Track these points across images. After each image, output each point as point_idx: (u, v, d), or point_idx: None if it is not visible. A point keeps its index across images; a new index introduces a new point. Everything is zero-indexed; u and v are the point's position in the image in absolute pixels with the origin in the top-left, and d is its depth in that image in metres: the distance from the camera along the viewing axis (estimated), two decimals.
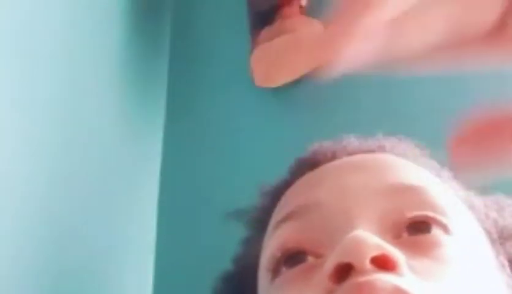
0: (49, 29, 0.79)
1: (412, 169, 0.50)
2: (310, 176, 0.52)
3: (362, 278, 0.38)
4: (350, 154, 0.54)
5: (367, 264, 0.39)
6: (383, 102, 0.88)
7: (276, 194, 0.55)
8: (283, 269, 0.47)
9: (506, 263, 0.49)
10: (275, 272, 0.47)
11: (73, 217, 0.79)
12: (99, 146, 0.86)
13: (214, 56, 1.04)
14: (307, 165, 0.55)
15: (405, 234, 0.45)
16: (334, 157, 0.54)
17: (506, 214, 0.53)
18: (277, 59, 0.93)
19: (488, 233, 0.50)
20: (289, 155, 0.92)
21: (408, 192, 0.47)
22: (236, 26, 1.01)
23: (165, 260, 0.94)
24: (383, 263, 0.39)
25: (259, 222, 0.56)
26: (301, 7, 0.93)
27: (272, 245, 0.48)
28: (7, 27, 0.71)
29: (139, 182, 0.95)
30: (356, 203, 0.46)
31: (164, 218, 0.97)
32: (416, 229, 0.45)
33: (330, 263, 0.41)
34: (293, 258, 0.46)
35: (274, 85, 0.96)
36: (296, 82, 0.95)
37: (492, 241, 0.50)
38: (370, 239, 0.40)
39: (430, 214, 0.45)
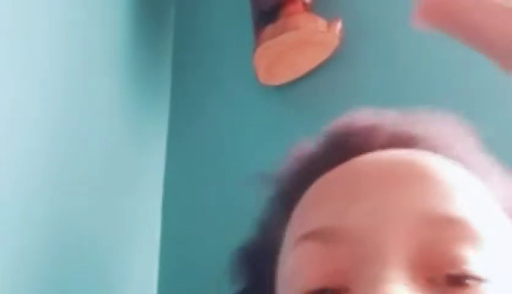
0: (50, 29, 0.79)
1: (454, 186, 0.46)
2: (340, 178, 0.48)
3: None
4: (383, 145, 0.50)
5: None
6: (386, 100, 0.88)
7: (305, 175, 0.51)
8: None
9: None
10: None
11: (78, 218, 0.79)
12: (103, 146, 0.86)
13: (217, 54, 1.04)
14: (339, 149, 0.51)
15: (439, 279, 0.42)
16: (366, 146, 0.50)
17: None
18: (281, 57, 0.92)
19: None
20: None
21: (445, 225, 0.43)
22: (240, 23, 1.01)
23: (170, 261, 0.94)
24: None
25: (285, 198, 0.52)
26: (304, 4, 0.93)
27: (293, 274, 0.45)
28: (9, 28, 0.71)
29: (143, 183, 0.95)
30: (388, 233, 0.43)
31: (169, 218, 0.97)
32: (453, 281, 0.42)
33: None
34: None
35: (277, 83, 0.96)
36: (300, 80, 0.95)
37: None
38: None
39: (467, 269, 0.42)
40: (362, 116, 0.54)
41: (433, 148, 0.50)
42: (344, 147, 0.51)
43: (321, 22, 0.91)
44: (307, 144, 0.55)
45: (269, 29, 0.92)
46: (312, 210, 0.47)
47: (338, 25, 0.91)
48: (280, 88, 0.96)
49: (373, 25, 0.93)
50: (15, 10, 0.72)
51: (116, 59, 0.92)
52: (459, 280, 0.42)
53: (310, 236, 0.45)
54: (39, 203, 0.72)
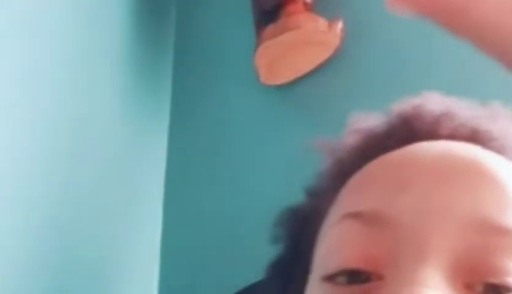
0: (51, 28, 0.79)
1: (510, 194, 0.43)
2: (396, 164, 0.46)
3: None
4: (450, 135, 0.48)
5: None
6: (386, 100, 0.88)
7: (364, 150, 0.49)
8: (341, 278, 0.43)
9: None
10: (329, 279, 0.43)
11: (79, 219, 0.79)
12: (104, 146, 0.86)
13: (218, 53, 1.04)
14: (404, 131, 0.49)
15: (478, 287, 0.40)
16: (434, 133, 0.48)
17: None
18: (282, 56, 0.93)
19: None
20: (292, 152, 0.92)
21: (496, 234, 0.41)
22: (241, 23, 1.01)
23: (170, 263, 0.94)
24: None
25: (340, 170, 0.50)
26: (305, 3, 0.93)
27: (332, 249, 0.44)
28: (9, 27, 0.71)
29: (144, 183, 0.95)
30: (433, 230, 0.41)
31: (169, 219, 0.97)
32: (492, 290, 0.40)
33: None
34: (353, 275, 0.43)
35: (278, 82, 0.96)
36: (301, 79, 0.95)
37: None
38: None
39: (510, 281, 0.40)
40: (435, 100, 0.52)
41: (500, 148, 0.48)
42: (411, 129, 0.49)
43: (321, 22, 0.91)
44: (370, 117, 0.52)
45: (270, 28, 0.92)
46: (362, 190, 0.46)
47: (339, 25, 0.91)
48: (281, 87, 0.96)
49: (373, 25, 0.93)
50: (15, 8, 0.72)
51: (118, 59, 0.92)
52: (499, 290, 0.40)
53: (355, 216, 0.44)
54: (40, 202, 0.72)
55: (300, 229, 0.52)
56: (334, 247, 0.44)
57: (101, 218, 0.83)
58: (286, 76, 0.95)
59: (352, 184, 0.47)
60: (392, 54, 0.90)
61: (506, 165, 0.45)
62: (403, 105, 0.52)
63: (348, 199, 0.47)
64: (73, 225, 0.78)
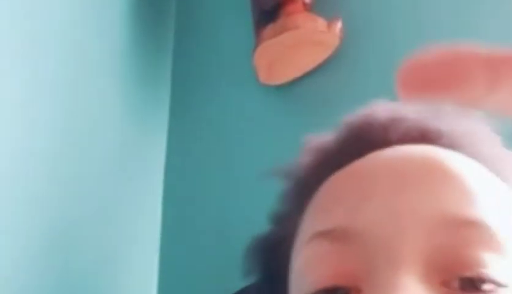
0: (54, 28, 0.79)
1: (475, 188, 0.43)
2: (354, 176, 0.46)
3: None
4: (403, 139, 0.48)
5: None
6: (386, 99, 0.88)
7: (322, 167, 0.49)
8: None
9: None
10: None
11: (77, 217, 0.79)
12: (103, 145, 0.86)
13: (218, 53, 1.04)
14: (357, 142, 0.49)
15: (453, 283, 0.40)
16: (385, 139, 0.49)
17: None
18: (281, 56, 0.93)
19: None
20: (292, 151, 0.92)
21: (463, 227, 0.41)
22: (240, 23, 1.01)
23: (170, 261, 0.94)
24: None
25: (301, 191, 0.50)
26: (304, 3, 0.93)
27: (305, 270, 0.45)
28: (14, 28, 0.71)
29: (143, 183, 0.95)
30: (400, 235, 0.41)
31: (169, 219, 0.97)
32: (467, 284, 0.40)
33: None
34: (331, 292, 0.43)
35: (277, 82, 0.96)
36: (300, 79, 0.95)
37: None
38: None
39: (484, 272, 0.40)
40: (382, 108, 0.52)
41: (456, 145, 0.48)
42: (362, 140, 0.49)
43: (321, 22, 0.91)
44: (324, 135, 0.53)
45: (269, 28, 0.92)
46: (326, 208, 0.46)
47: (339, 25, 0.91)
48: (280, 87, 0.96)
49: (372, 25, 0.93)
50: (15, 8, 0.72)
51: (117, 58, 0.92)
52: (474, 283, 0.40)
53: (323, 234, 0.44)
54: (40, 202, 0.72)
55: (271, 257, 0.52)
56: (307, 268, 0.44)
57: (100, 218, 0.83)
58: (285, 76, 0.95)
59: (315, 204, 0.48)
60: (392, 54, 0.90)
61: (459, 159, 0.46)
62: (351, 117, 0.52)
63: (314, 218, 0.47)
64: (72, 224, 0.78)
